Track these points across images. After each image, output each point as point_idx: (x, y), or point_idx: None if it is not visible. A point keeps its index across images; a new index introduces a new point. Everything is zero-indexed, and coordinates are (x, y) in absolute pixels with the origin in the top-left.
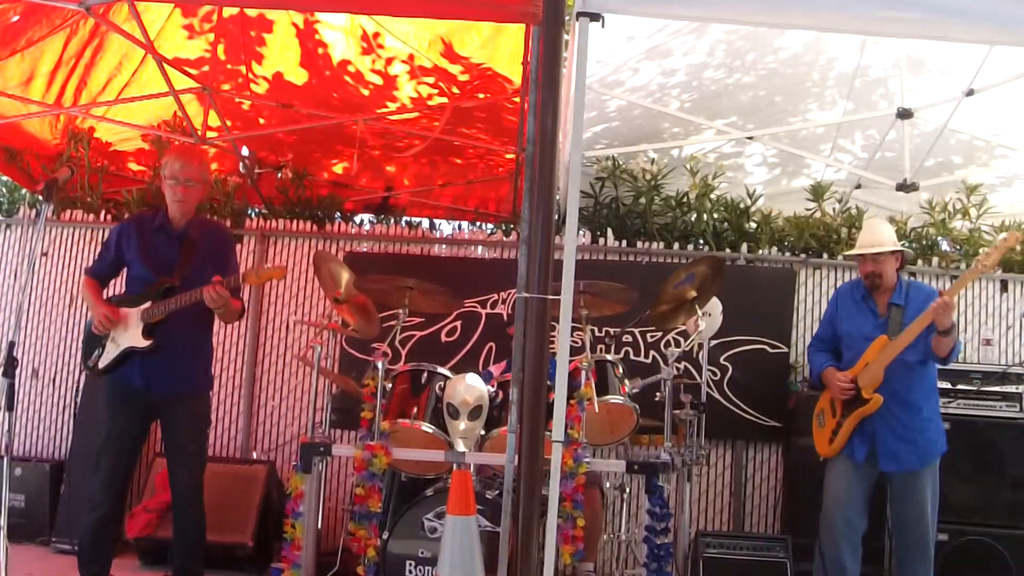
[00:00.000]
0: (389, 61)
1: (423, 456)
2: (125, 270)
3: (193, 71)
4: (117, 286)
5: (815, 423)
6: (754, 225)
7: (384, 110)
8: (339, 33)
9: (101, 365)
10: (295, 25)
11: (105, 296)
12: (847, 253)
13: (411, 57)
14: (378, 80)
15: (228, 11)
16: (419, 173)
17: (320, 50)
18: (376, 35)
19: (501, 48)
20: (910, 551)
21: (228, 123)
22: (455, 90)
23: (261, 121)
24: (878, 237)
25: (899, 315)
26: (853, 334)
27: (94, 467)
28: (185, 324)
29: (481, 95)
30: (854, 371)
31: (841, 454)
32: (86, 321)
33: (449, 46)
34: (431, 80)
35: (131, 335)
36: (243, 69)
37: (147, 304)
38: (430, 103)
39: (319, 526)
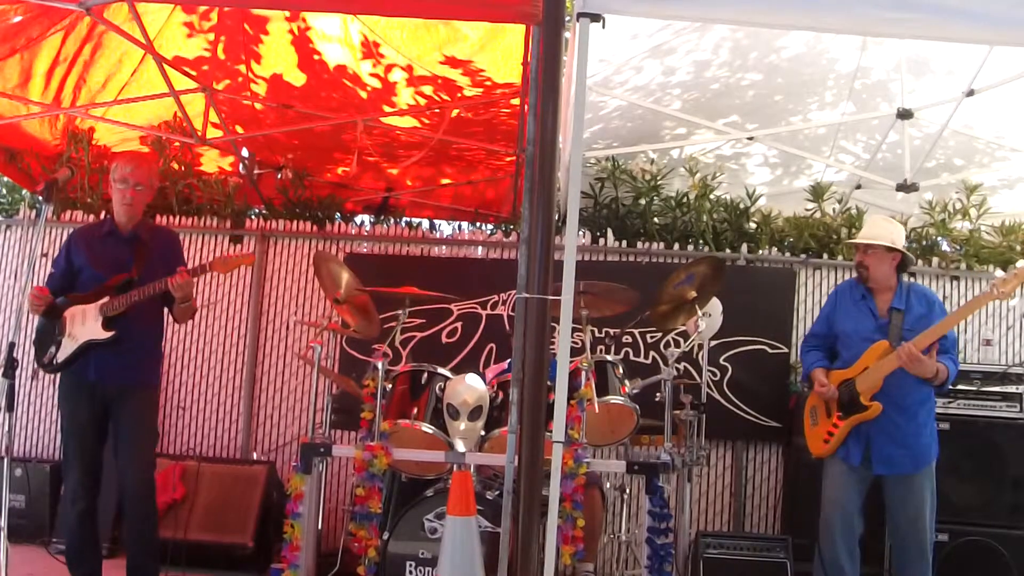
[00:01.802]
0: (388, 68)
1: (423, 456)
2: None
3: (192, 71)
4: None
5: (807, 420)
6: (754, 225)
7: (384, 116)
8: (334, 44)
9: (59, 359)
10: (291, 32)
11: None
12: (848, 241)
13: (409, 67)
14: (376, 84)
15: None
16: (420, 174)
17: (315, 56)
18: (376, 44)
19: (494, 52)
20: (907, 554)
21: (228, 123)
22: (446, 97)
23: (266, 122)
24: (876, 231)
25: (899, 319)
26: (851, 334)
27: (65, 464)
28: (141, 320)
29: (479, 102)
30: (852, 372)
31: (836, 456)
32: (36, 323)
33: (450, 56)
34: (429, 90)
35: (89, 328)
36: (242, 68)
37: (105, 299)
38: (430, 109)
39: (319, 527)
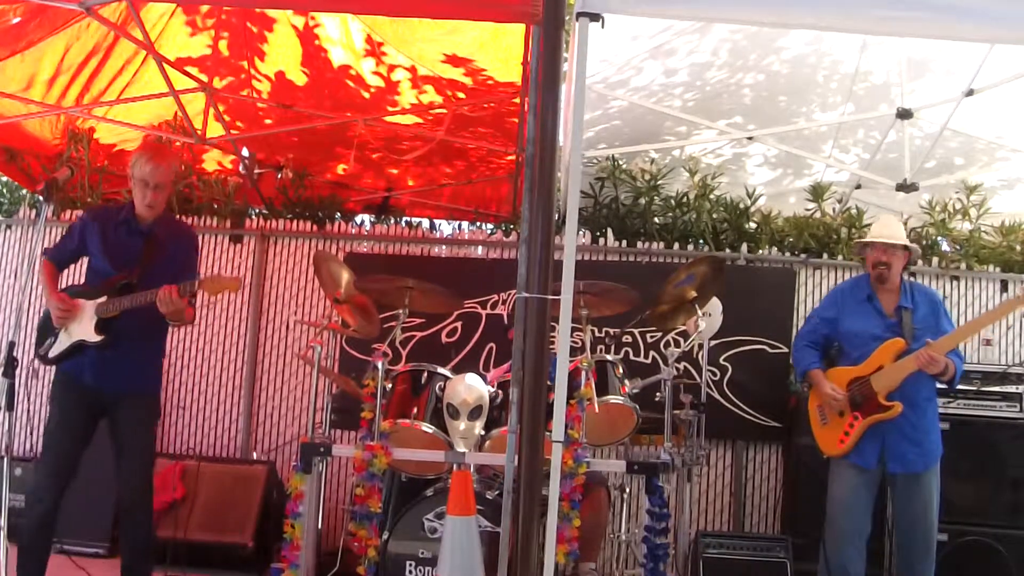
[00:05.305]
0: (392, 68)
1: (423, 456)
2: (87, 259)
3: (195, 69)
4: (77, 273)
5: (815, 418)
6: (754, 225)
7: (386, 115)
8: (338, 47)
9: (51, 354)
10: (295, 27)
11: (62, 285)
12: (859, 240)
13: (413, 68)
14: (379, 83)
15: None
16: (420, 174)
17: (321, 54)
18: (380, 44)
19: (495, 51)
20: (913, 552)
21: (228, 121)
22: (459, 94)
23: (266, 122)
24: (892, 230)
25: (909, 318)
26: (860, 333)
27: (40, 460)
28: (139, 323)
29: (485, 105)
30: (864, 370)
31: (847, 460)
32: (44, 309)
33: (451, 55)
34: (431, 89)
35: (84, 328)
36: (245, 65)
37: (103, 298)
38: (432, 110)
39: (319, 526)
